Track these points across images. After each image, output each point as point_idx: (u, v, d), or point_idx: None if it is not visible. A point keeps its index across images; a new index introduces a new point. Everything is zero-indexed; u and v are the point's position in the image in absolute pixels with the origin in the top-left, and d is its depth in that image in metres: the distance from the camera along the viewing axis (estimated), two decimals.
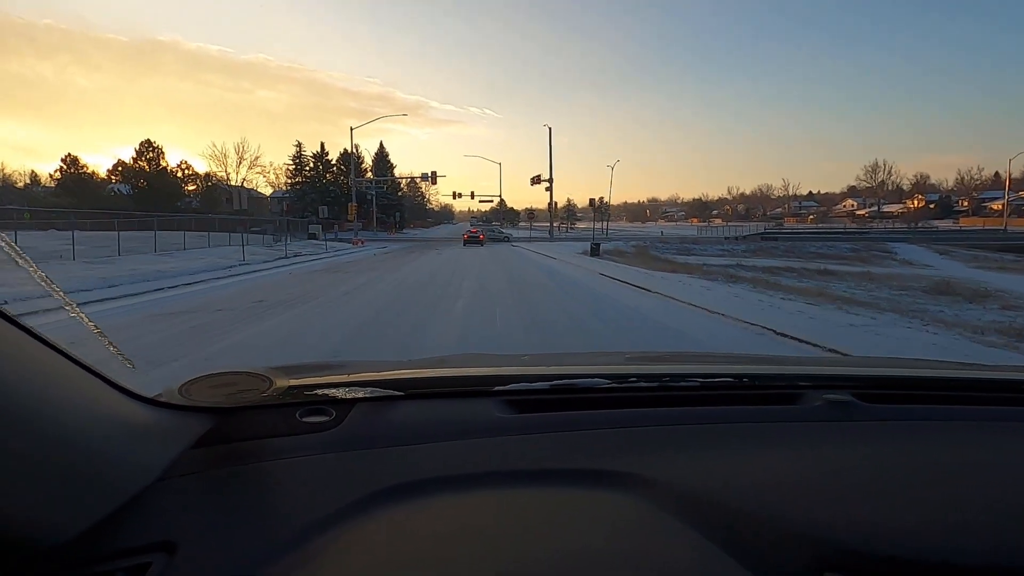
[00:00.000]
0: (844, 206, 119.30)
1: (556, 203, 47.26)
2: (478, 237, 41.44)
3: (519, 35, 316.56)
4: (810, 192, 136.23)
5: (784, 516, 0.62)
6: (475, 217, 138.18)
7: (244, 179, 67.02)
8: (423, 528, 0.63)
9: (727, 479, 0.70)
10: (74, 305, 0.79)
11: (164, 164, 63.53)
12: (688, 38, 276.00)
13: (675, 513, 0.64)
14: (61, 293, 0.76)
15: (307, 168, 64.50)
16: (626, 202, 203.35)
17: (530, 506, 0.67)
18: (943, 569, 0.55)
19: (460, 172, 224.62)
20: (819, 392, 0.96)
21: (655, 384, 1.00)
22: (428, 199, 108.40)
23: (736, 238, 48.50)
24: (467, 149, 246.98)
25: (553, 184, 45.74)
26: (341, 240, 40.82)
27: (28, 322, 0.59)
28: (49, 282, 0.75)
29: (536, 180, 47.90)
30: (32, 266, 0.72)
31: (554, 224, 49.33)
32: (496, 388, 0.96)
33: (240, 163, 66.50)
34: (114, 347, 0.83)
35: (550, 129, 46.71)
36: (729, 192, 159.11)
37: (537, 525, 0.63)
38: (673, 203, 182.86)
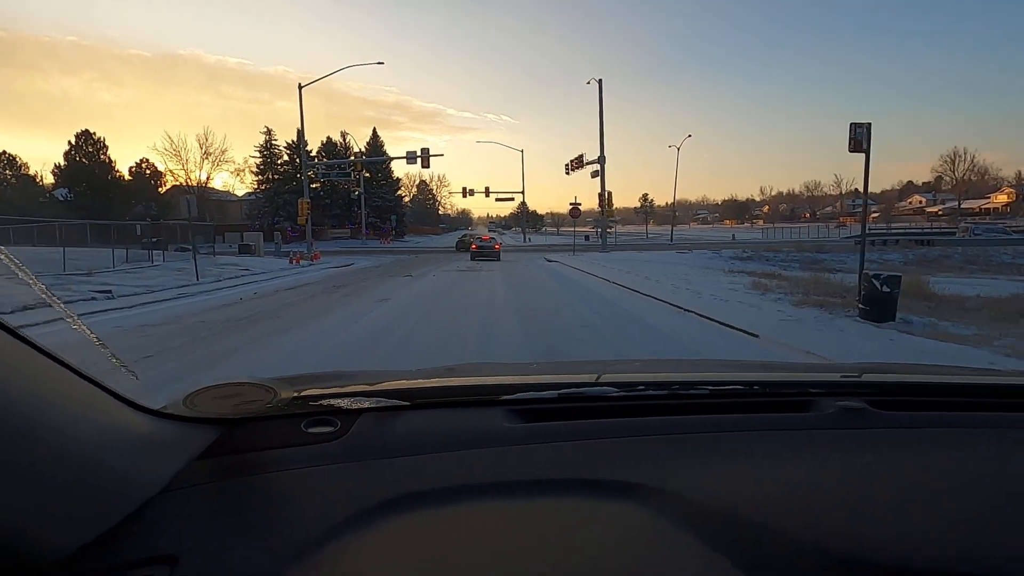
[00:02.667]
0: (909, 203, 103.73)
1: (609, 193, 30.04)
2: (492, 247, 26.16)
3: (535, 42, 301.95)
4: (855, 189, 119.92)
5: (795, 527, 0.60)
6: (493, 222, 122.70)
7: (209, 176, 52.58)
8: (429, 539, 0.61)
9: (737, 489, 0.68)
10: (75, 317, 0.77)
11: (105, 159, 49.62)
12: (709, 37, 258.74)
13: (684, 524, 0.62)
14: (63, 306, 0.75)
15: (280, 162, 49.91)
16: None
17: (537, 517, 0.65)
18: None
19: (479, 177, 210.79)
20: (832, 399, 0.92)
21: (664, 392, 0.97)
22: (440, 202, 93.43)
23: (875, 241, 32.41)
24: (485, 155, 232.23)
25: (605, 167, 29.48)
26: (288, 255, 25.80)
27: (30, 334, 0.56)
28: (51, 294, 0.75)
29: (576, 164, 32.11)
30: (32, 278, 0.71)
31: (600, 227, 33.07)
32: (503, 397, 0.92)
33: (204, 159, 51.96)
34: (117, 359, 0.81)
35: (600, 83, 29.14)
36: (762, 192, 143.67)
37: (544, 536, 0.61)
38: (702, 205, 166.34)
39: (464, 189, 47.67)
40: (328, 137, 52.55)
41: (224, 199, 55.02)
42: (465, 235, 43.56)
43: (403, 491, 0.68)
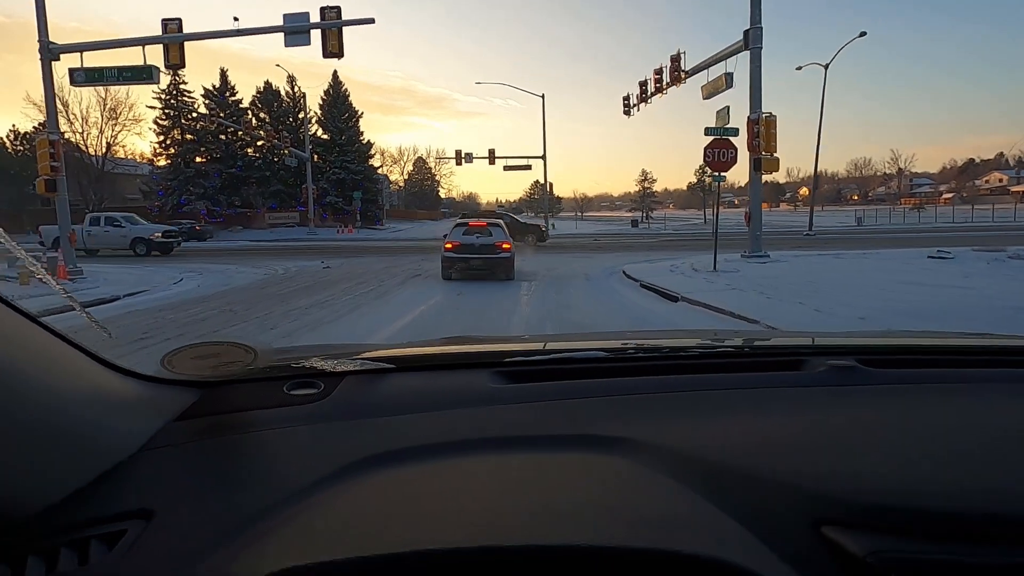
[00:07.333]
0: (985, 181, 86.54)
1: (770, 118, 11.60)
2: (493, 247, 10.02)
3: (542, 27, 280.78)
4: (900, 169, 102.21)
5: (780, 473, 0.59)
6: (502, 207, 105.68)
7: (113, 143, 36.31)
8: (410, 491, 0.60)
9: (724, 440, 0.67)
10: (54, 282, 0.75)
11: None
12: (729, 15, 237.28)
13: (671, 473, 0.60)
14: (42, 271, 0.74)
15: (192, 116, 33.59)
16: (667, 188, 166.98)
17: (520, 469, 0.64)
18: (940, 517, 0.52)
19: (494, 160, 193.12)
20: (822, 359, 0.90)
21: (654, 355, 0.97)
22: (440, 182, 76.89)
23: None
24: (491, 141, 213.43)
25: (761, 65, 11.68)
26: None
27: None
28: (26, 254, 0.73)
29: (670, 76, 15.37)
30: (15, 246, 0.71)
31: (752, 204, 15.59)
32: (490, 361, 0.91)
33: (108, 120, 35.66)
34: (89, 315, 0.78)
35: None
36: (789, 175, 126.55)
37: (529, 485, 0.61)
38: (726, 188, 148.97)
39: (458, 153, 31.45)
40: (267, 82, 36.21)
41: (134, 172, 38.75)
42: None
43: (385, 448, 0.66)
